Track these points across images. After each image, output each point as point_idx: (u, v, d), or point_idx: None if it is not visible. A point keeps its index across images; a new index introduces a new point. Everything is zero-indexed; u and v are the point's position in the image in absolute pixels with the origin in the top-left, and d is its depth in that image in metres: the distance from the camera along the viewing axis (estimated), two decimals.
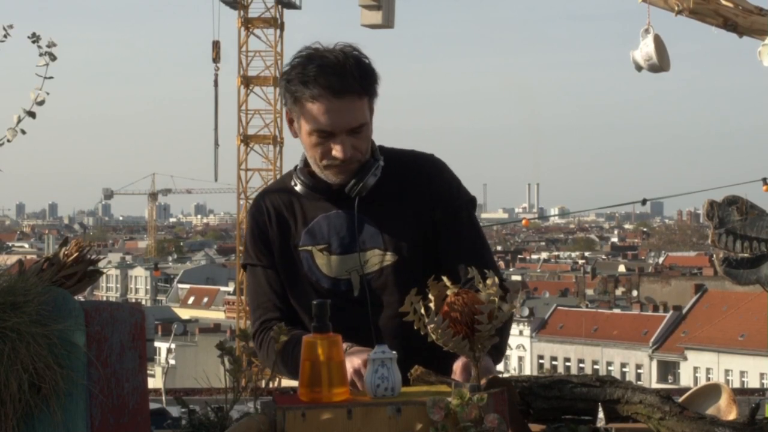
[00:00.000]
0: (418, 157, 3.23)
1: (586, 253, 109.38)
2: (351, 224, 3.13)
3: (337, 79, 2.99)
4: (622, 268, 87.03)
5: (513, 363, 60.70)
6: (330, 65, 3.00)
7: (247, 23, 40.49)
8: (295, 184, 3.15)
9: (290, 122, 3.12)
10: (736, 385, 48.33)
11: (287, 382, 3.15)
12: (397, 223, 3.13)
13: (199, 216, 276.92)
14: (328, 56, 3.03)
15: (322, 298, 3.07)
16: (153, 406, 2.89)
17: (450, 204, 3.18)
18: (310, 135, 3.05)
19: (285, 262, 3.17)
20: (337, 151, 3.04)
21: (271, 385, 2.57)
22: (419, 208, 3.15)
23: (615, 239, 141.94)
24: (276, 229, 3.17)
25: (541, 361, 61.97)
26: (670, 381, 54.41)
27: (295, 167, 3.20)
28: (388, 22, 12.57)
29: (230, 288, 68.13)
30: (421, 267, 3.04)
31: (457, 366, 2.80)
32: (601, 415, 2.64)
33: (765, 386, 42.34)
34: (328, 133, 3.03)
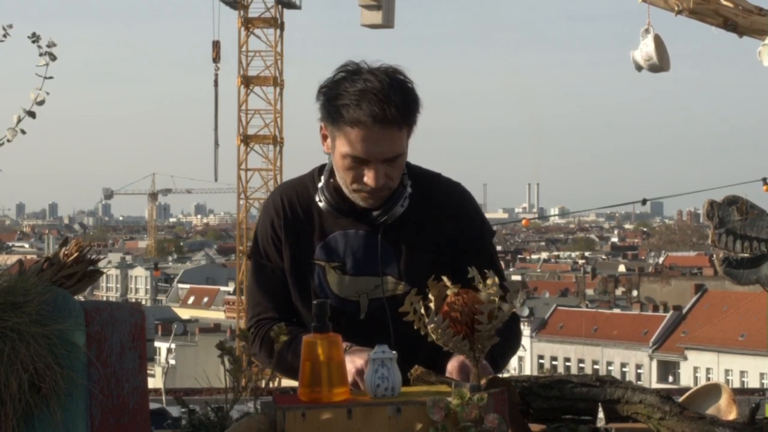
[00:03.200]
0: (445, 183, 3.18)
1: (586, 253, 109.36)
2: (368, 246, 3.08)
3: (379, 109, 2.90)
4: (622, 268, 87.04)
5: (513, 363, 60.58)
6: (374, 91, 2.92)
7: (247, 23, 40.51)
8: (320, 200, 3.09)
9: (324, 137, 3.06)
10: (736, 385, 48.33)
11: (287, 382, 3.15)
12: (415, 253, 3.09)
13: (199, 216, 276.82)
14: (371, 80, 2.93)
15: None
16: (153, 406, 2.89)
17: (473, 238, 3.14)
18: (343, 158, 2.98)
19: (296, 269, 3.12)
20: (369, 179, 2.98)
21: (271, 385, 2.56)
22: (440, 238, 3.11)
23: (615, 239, 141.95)
24: (292, 235, 3.12)
25: (541, 361, 61.96)
26: (670, 381, 54.39)
27: (319, 170, 3.14)
28: (388, 22, 12.57)
29: (230, 288, 68.11)
30: None
31: (453, 366, 2.79)
32: (601, 415, 2.64)
33: (765, 386, 42.33)
34: (363, 160, 2.97)
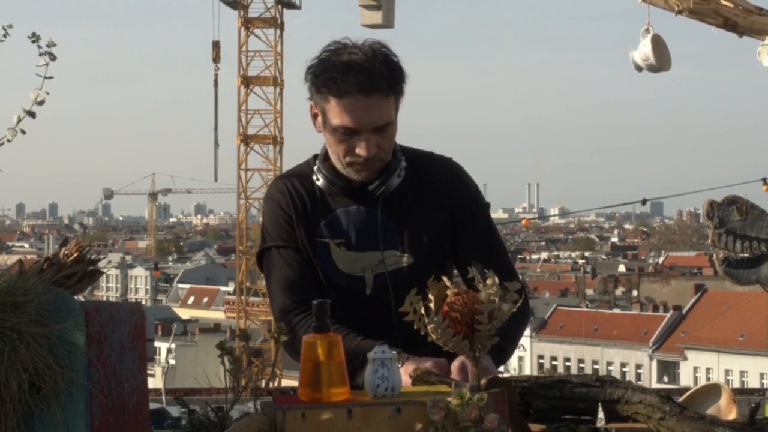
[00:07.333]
0: (438, 159, 3.23)
1: (586, 253, 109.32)
2: (369, 221, 3.12)
3: (365, 77, 2.98)
4: (622, 268, 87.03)
5: (513, 363, 60.64)
6: (358, 62, 2.99)
7: (247, 23, 40.53)
8: (317, 179, 3.14)
9: (314, 116, 3.11)
10: (736, 384, 48.33)
11: (287, 382, 3.14)
12: (415, 225, 3.14)
13: (199, 216, 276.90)
14: (356, 52, 3.01)
15: (334, 293, 3.09)
16: (153, 406, 2.89)
17: (469, 209, 3.19)
18: (334, 131, 3.04)
19: (304, 249, 3.14)
20: (361, 149, 3.03)
21: (271, 385, 2.56)
22: (438, 211, 3.16)
23: (615, 239, 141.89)
24: (298, 215, 3.15)
25: (541, 361, 61.96)
26: (669, 381, 54.37)
27: (314, 158, 3.19)
28: (388, 22, 12.56)
29: (230, 288, 68.09)
30: (435, 271, 2.94)
31: (454, 366, 2.80)
32: (601, 415, 2.64)
33: (765, 386, 42.33)
34: (353, 130, 3.02)
